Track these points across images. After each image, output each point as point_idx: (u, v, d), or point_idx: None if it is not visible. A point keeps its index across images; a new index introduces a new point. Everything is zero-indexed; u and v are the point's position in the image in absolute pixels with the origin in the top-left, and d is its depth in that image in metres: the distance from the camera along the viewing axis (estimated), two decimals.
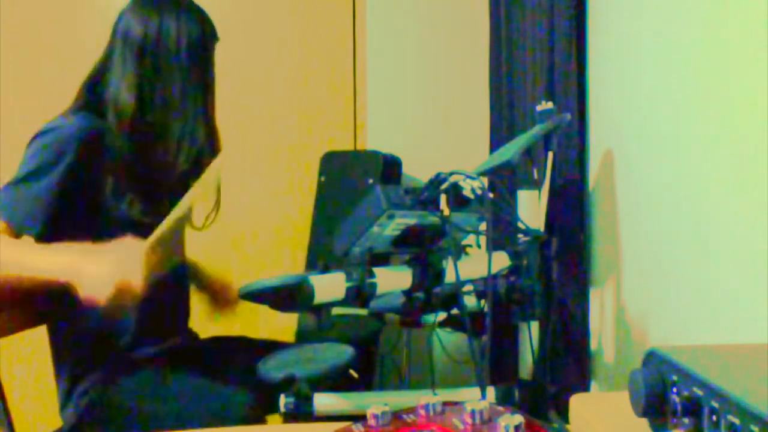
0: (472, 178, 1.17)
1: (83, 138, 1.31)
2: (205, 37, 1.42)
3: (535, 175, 1.55)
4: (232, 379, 1.46)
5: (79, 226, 1.33)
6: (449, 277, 1.20)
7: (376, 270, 1.12)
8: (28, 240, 1.27)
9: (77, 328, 1.40)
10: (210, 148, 1.48)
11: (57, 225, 1.30)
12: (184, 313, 1.63)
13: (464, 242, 1.27)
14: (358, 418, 0.65)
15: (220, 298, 1.67)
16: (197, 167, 1.47)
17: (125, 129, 1.35)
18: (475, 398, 0.63)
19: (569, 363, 1.68)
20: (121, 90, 1.36)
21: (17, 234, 1.27)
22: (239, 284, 1.10)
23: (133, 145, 1.35)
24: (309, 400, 1.21)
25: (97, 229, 1.35)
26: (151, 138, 1.37)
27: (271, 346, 1.57)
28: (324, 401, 1.22)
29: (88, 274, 1.16)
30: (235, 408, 1.29)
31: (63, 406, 1.41)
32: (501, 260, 1.35)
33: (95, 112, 1.37)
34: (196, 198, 1.34)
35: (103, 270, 1.16)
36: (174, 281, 1.57)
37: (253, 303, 1.09)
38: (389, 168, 2.07)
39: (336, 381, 1.30)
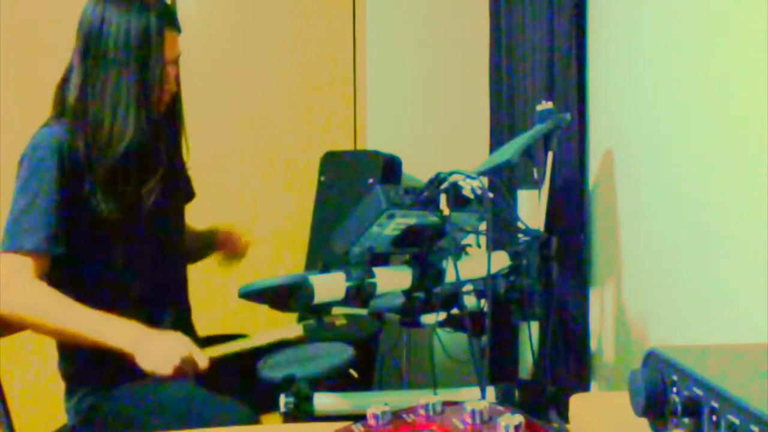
0: (472, 178, 1.18)
1: (57, 150, 1.31)
2: (149, 28, 1.36)
3: (535, 175, 1.55)
4: (232, 379, 1.46)
5: (77, 235, 1.33)
6: (449, 276, 1.20)
7: (376, 270, 1.12)
8: (72, 303, 1.28)
9: None
10: (145, 137, 1.43)
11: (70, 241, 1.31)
12: (186, 312, 1.63)
13: (464, 242, 1.27)
14: (358, 417, 0.65)
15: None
16: (140, 157, 1.40)
17: (73, 126, 1.33)
18: (475, 398, 0.63)
19: (569, 363, 1.68)
20: (70, 87, 1.35)
21: (44, 263, 1.28)
22: (240, 285, 1.10)
23: (82, 143, 1.33)
24: (309, 399, 1.21)
25: (90, 235, 1.35)
26: (91, 133, 1.34)
27: (271, 345, 1.57)
28: (324, 401, 1.22)
29: (155, 351, 1.24)
30: (230, 420, 1.29)
31: (66, 401, 1.42)
32: (501, 260, 1.35)
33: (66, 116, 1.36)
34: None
35: (169, 345, 1.25)
36: (175, 280, 1.57)
37: (254, 302, 1.09)
38: (389, 168, 2.07)
39: (336, 381, 1.30)
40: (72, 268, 1.33)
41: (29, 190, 1.30)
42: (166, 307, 1.51)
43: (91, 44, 1.35)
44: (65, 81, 1.39)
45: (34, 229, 1.28)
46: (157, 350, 1.24)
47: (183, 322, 1.62)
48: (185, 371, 1.26)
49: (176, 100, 1.49)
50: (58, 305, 1.27)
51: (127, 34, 1.35)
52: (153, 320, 1.37)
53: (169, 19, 1.41)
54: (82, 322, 1.26)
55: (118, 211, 1.35)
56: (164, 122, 1.46)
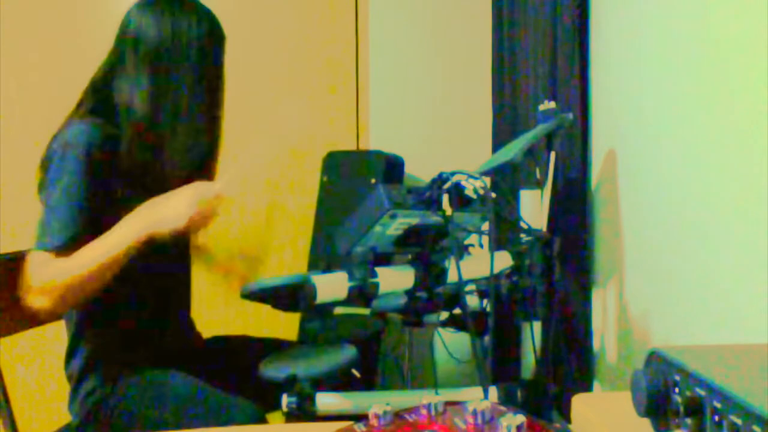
0: (475, 178, 1.17)
1: (97, 147, 1.31)
2: (213, 37, 1.40)
3: (538, 175, 1.55)
4: (235, 379, 1.47)
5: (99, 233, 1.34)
6: (451, 276, 1.20)
7: (379, 270, 1.12)
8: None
9: (94, 324, 1.40)
10: (212, 149, 1.47)
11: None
12: (187, 314, 1.63)
13: (467, 242, 1.27)
14: (360, 417, 0.65)
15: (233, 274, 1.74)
16: (200, 169, 1.46)
17: (138, 136, 1.34)
18: (478, 398, 0.63)
19: (571, 363, 1.68)
20: (135, 97, 1.34)
21: (67, 255, 1.28)
22: (241, 285, 1.11)
23: (143, 151, 1.34)
24: (311, 399, 1.21)
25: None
26: (159, 143, 1.36)
27: (273, 345, 1.57)
28: (326, 401, 1.22)
29: (166, 211, 1.25)
30: (236, 415, 1.29)
31: (71, 402, 1.42)
32: (503, 260, 1.34)
33: (104, 116, 1.35)
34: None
35: (177, 202, 1.26)
36: (177, 283, 1.57)
37: (256, 302, 1.09)
38: (391, 168, 2.07)
39: (338, 381, 1.30)
40: None
41: (61, 187, 1.29)
42: (168, 306, 1.52)
43: (162, 58, 1.35)
44: (104, 81, 1.39)
45: (59, 228, 1.27)
46: (168, 211, 1.26)
47: (183, 320, 1.62)
48: (206, 216, 1.29)
49: None
50: (76, 255, 1.26)
51: (201, 46, 1.37)
52: (154, 316, 1.38)
53: (221, 27, 1.45)
54: (102, 250, 1.25)
55: None
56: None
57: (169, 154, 1.37)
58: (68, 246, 1.27)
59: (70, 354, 1.44)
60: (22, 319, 1.38)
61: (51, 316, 1.42)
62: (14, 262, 1.34)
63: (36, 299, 1.25)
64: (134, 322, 1.43)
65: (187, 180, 1.39)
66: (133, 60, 1.36)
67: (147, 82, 1.34)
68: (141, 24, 1.36)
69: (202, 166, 1.48)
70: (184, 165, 1.39)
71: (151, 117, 1.34)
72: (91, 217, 1.30)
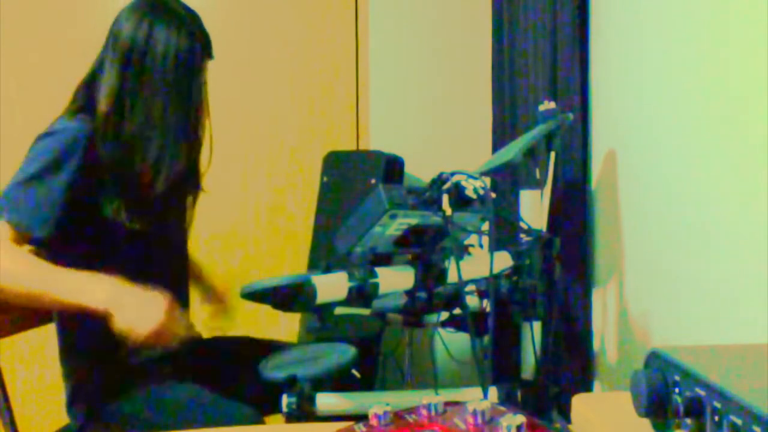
0: (475, 178, 1.17)
1: (86, 141, 1.31)
2: (194, 53, 1.39)
3: (538, 175, 1.55)
4: (235, 380, 1.46)
5: (80, 230, 1.33)
6: (451, 277, 1.20)
7: (379, 270, 1.12)
8: (48, 264, 1.24)
9: (85, 329, 1.40)
10: (192, 165, 1.46)
11: (60, 229, 1.29)
12: (185, 313, 1.63)
13: (467, 242, 1.27)
14: (360, 417, 0.65)
15: (215, 302, 1.70)
16: (180, 181, 1.44)
17: (102, 134, 1.33)
18: (477, 398, 0.63)
19: (572, 363, 1.68)
20: (103, 95, 1.34)
21: (23, 237, 1.26)
22: (242, 284, 1.10)
23: (111, 152, 1.33)
24: (311, 400, 1.21)
25: (95, 234, 1.35)
26: (127, 148, 1.34)
27: (273, 347, 1.57)
28: (326, 401, 1.22)
29: (131, 310, 1.19)
30: (236, 421, 1.29)
31: (69, 406, 1.42)
32: (503, 260, 1.34)
33: (91, 115, 1.35)
34: None
35: (148, 306, 1.21)
36: (175, 283, 1.57)
37: (256, 303, 1.09)
38: (392, 168, 2.07)
39: (338, 381, 1.30)
40: (72, 263, 1.33)
41: (38, 166, 1.28)
42: None
43: (134, 59, 1.35)
44: (92, 81, 1.39)
45: (24, 204, 1.26)
46: (134, 310, 1.20)
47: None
48: (163, 338, 1.21)
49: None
50: (30, 267, 1.22)
51: (176, 56, 1.36)
52: None
53: (209, 45, 1.43)
54: (56, 283, 1.21)
55: (130, 221, 1.35)
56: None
57: (135, 162, 1.35)
58: (24, 226, 1.25)
59: (66, 355, 1.43)
60: (21, 319, 1.38)
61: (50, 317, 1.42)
62: None
63: None
64: None
65: (167, 190, 1.38)
66: (109, 61, 1.36)
67: (115, 84, 1.34)
68: (121, 26, 1.37)
69: (184, 174, 1.46)
70: (154, 181, 1.36)
71: (113, 119, 1.33)
72: (62, 208, 1.28)
